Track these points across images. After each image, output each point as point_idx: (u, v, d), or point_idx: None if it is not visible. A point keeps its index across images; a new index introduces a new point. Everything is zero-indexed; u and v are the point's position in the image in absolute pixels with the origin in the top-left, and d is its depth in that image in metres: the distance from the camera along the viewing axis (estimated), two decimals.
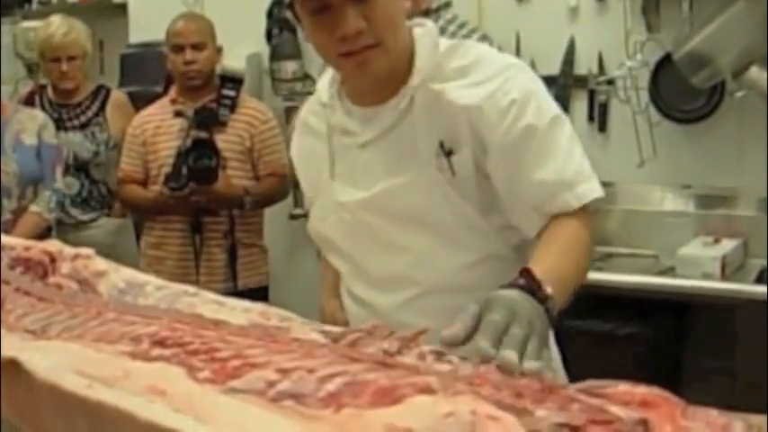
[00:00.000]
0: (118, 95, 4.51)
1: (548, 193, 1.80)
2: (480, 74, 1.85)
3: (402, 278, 1.93)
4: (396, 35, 1.83)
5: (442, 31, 3.31)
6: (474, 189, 1.87)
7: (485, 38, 3.38)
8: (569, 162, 1.82)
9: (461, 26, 3.39)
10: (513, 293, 1.41)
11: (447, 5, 3.43)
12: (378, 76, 1.85)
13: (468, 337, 1.30)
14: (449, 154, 1.86)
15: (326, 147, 2.00)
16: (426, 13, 3.33)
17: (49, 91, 4.47)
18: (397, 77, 1.88)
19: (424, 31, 1.94)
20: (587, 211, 1.82)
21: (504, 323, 1.30)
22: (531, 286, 1.45)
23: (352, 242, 2.00)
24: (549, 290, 1.47)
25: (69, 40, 4.29)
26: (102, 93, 4.46)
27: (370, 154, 1.94)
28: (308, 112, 2.11)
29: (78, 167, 4.33)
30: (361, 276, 2.03)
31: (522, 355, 1.22)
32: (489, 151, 1.84)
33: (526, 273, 1.48)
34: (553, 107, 1.86)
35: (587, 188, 1.82)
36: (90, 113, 4.39)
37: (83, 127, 4.36)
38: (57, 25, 4.31)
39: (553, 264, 1.64)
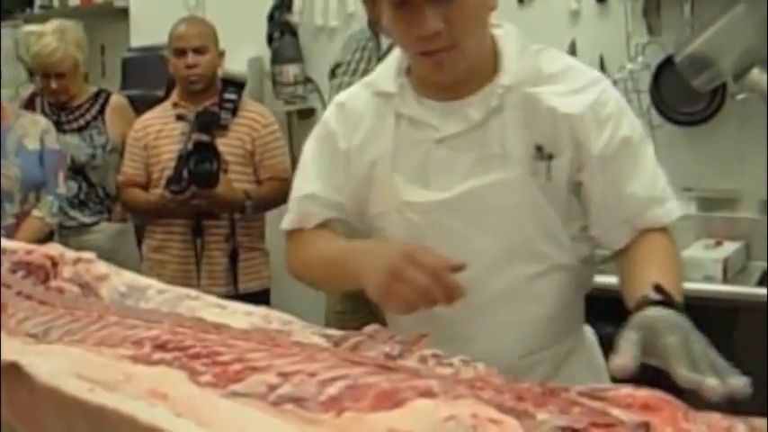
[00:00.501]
0: (117, 99, 4.51)
1: (640, 206, 1.81)
2: (575, 82, 1.84)
3: (471, 286, 1.69)
4: (475, 37, 1.80)
5: None
6: (564, 196, 1.84)
7: None
8: (658, 178, 1.85)
9: None
10: (665, 311, 1.41)
11: None
12: (455, 76, 1.81)
13: (636, 364, 1.30)
14: (549, 158, 1.81)
15: (389, 138, 1.90)
16: None
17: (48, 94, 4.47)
18: (480, 75, 1.84)
19: (505, 32, 1.91)
20: (670, 228, 1.83)
21: (681, 343, 1.31)
22: (669, 300, 1.45)
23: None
24: (679, 300, 1.48)
25: (57, 58, 4.26)
26: (101, 97, 4.46)
27: (448, 151, 1.85)
28: (352, 98, 2.00)
29: (76, 170, 4.33)
30: None
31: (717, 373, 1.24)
32: (587, 161, 1.82)
33: (658, 288, 1.48)
34: (639, 123, 1.89)
35: (674, 205, 1.85)
36: (89, 117, 4.39)
37: (80, 130, 4.36)
38: (44, 43, 4.25)
39: (670, 278, 1.63)
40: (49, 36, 4.27)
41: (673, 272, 1.69)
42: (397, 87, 1.91)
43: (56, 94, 4.35)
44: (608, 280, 3.48)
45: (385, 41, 3.50)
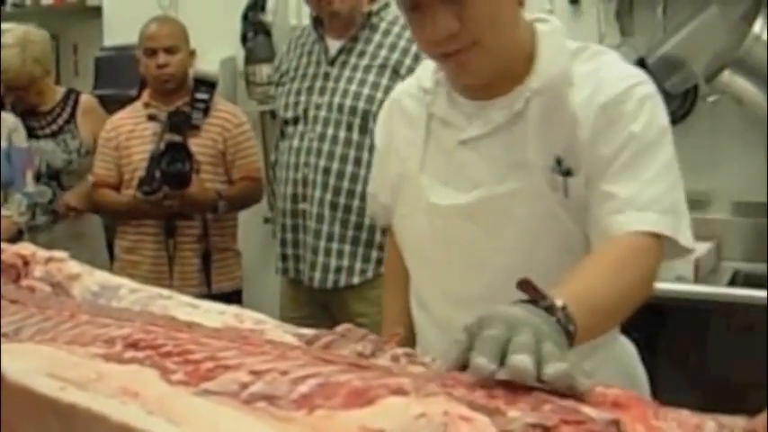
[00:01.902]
0: (87, 100, 4.49)
1: (614, 207, 1.64)
2: (603, 83, 1.70)
3: (485, 299, 1.51)
4: (499, 33, 1.68)
5: (386, 33, 3.29)
6: (585, 211, 1.71)
7: None
8: (658, 184, 1.67)
9: (405, 26, 3.35)
10: (512, 308, 1.24)
11: (386, 6, 3.37)
12: (481, 76, 1.72)
13: (456, 365, 1.14)
14: (567, 173, 1.70)
15: (421, 135, 1.85)
16: (369, 15, 3.30)
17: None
18: (512, 74, 1.74)
19: (548, 29, 1.79)
20: (656, 242, 1.63)
21: (503, 337, 1.12)
22: (535, 297, 1.28)
23: (440, 251, 1.83)
24: (559, 301, 1.30)
25: (13, 73, 4.18)
26: (71, 98, 4.43)
27: (470, 152, 1.78)
28: (403, 93, 1.96)
29: (50, 176, 4.31)
30: (442, 290, 1.85)
31: (538, 363, 1.06)
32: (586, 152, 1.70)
33: (524, 283, 1.29)
34: (662, 126, 1.71)
35: (659, 219, 1.64)
36: (61, 121, 4.36)
37: (54, 135, 4.34)
38: (4, 57, 4.17)
39: (584, 282, 1.49)
40: (11, 49, 4.20)
41: (603, 277, 1.53)
42: (433, 83, 1.85)
43: (22, 102, 4.32)
44: None
45: (332, 43, 3.40)
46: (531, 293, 1.28)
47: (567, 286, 1.43)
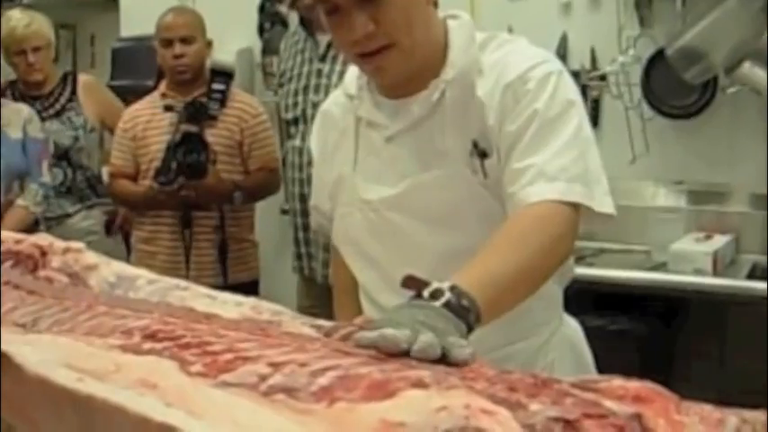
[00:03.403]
0: (86, 78, 4.53)
1: (524, 181, 1.68)
2: (509, 69, 1.77)
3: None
4: (415, 33, 1.74)
5: None
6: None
7: None
8: (557, 159, 1.69)
9: None
10: (401, 312, 1.30)
11: None
12: (397, 76, 1.79)
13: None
14: (482, 156, 1.78)
15: (352, 140, 1.93)
16: None
17: (20, 85, 4.46)
18: (428, 71, 1.81)
19: (458, 24, 1.87)
20: (567, 210, 1.66)
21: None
22: (419, 288, 1.35)
23: (378, 244, 1.90)
24: (445, 284, 1.36)
25: (32, 31, 4.29)
26: (69, 79, 4.47)
27: (396, 148, 1.86)
28: (331, 103, 2.04)
29: (60, 156, 4.33)
30: (387, 283, 1.85)
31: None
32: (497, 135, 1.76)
33: (407, 280, 1.37)
34: (565, 102, 1.75)
35: (568, 187, 1.67)
36: (63, 100, 4.39)
37: (58, 114, 4.36)
38: (17, 18, 4.30)
39: (482, 258, 1.54)
40: (18, 14, 4.31)
41: (500, 250, 1.57)
42: (357, 89, 1.93)
43: (32, 72, 4.33)
44: (595, 272, 3.52)
45: (321, 38, 3.41)
46: (415, 286, 1.35)
47: (466, 266, 1.50)
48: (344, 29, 1.72)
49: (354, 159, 1.92)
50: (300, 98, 3.37)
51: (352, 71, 1.96)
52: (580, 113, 1.77)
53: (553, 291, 1.95)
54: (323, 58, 3.32)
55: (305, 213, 3.36)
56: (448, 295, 1.35)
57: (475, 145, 1.78)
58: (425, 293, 1.34)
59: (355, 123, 1.93)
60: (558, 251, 1.65)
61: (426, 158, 1.82)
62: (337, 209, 1.97)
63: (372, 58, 1.75)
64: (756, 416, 0.98)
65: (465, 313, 1.35)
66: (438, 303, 1.33)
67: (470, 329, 1.37)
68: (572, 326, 2.06)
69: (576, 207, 1.68)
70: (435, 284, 1.35)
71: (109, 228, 4.45)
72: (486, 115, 1.77)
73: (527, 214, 1.66)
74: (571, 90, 1.79)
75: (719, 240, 3.71)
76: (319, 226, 2.15)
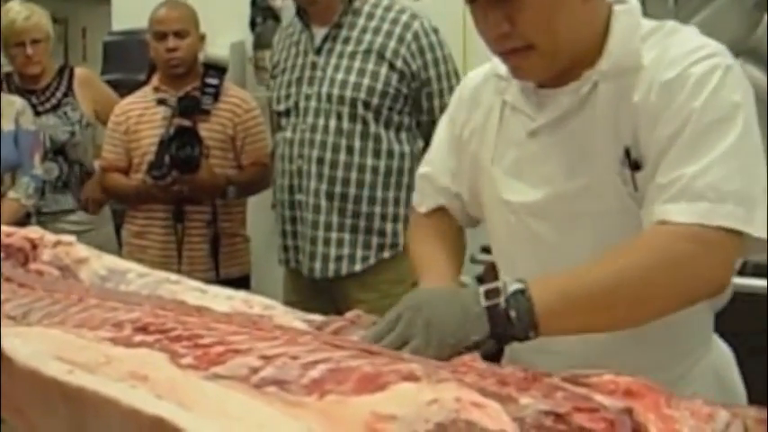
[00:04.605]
0: (82, 72, 4.51)
1: (667, 197, 1.47)
2: (669, 65, 1.53)
3: None
4: (557, 36, 1.54)
5: (370, 16, 3.28)
6: None
7: (414, 17, 3.32)
8: (709, 173, 1.45)
9: (388, 9, 3.34)
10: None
11: None
12: (537, 78, 1.62)
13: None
14: (635, 167, 1.54)
15: (495, 125, 1.73)
16: (350, 0, 3.29)
17: (16, 79, 4.45)
18: (582, 62, 1.59)
19: (624, 10, 1.63)
20: (708, 233, 1.43)
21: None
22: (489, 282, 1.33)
23: (517, 246, 1.72)
24: (515, 285, 1.34)
25: (31, 23, 4.27)
26: (65, 73, 4.45)
27: (540, 145, 1.65)
28: (482, 81, 1.81)
29: (56, 151, 4.31)
30: None
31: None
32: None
33: (488, 269, 1.36)
34: (730, 103, 1.50)
35: (712, 209, 1.44)
36: (59, 94, 4.38)
37: (54, 109, 4.35)
38: (17, 11, 4.28)
39: (572, 270, 1.44)
40: (18, 7, 4.29)
41: (589, 266, 1.45)
42: (507, 71, 1.69)
43: (31, 64, 4.32)
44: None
45: (317, 31, 3.39)
46: (488, 278, 1.31)
47: (553, 273, 1.44)
48: (481, 24, 1.56)
49: (494, 148, 1.73)
50: (293, 90, 3.36)
51: None
52: (747, 118, 1.52)
53: (700, 317, 1.71)
54: (318, 51, 3.30)
55: (293, 205, 3.36)
56: (500, 300, 1.34)
57: (627, 153, 1.55)
58: (481, 290, 1.33)
59: (501, 106, 1.73)
60: (677, 285, 1.45)
61: (572, 163, 1.61)
62: (481, 197, 1.79)
63: (508, 58, 1.59)
64: (746, 410, 0.99)
65: (503, 321, 1.34)
66: (484, 304, 1.33)
67: (521, 339, 1.36)
68: (720, 351, 1.82)
69: (729, 232, 1.43)
70: (499, 283, 1.32)
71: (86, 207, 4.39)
72: (640, 119, 1.53)
73: (646, 235, 1.48)
74: (739, 90, 1.54)
75: None
76: (423, 196, 1.93)
